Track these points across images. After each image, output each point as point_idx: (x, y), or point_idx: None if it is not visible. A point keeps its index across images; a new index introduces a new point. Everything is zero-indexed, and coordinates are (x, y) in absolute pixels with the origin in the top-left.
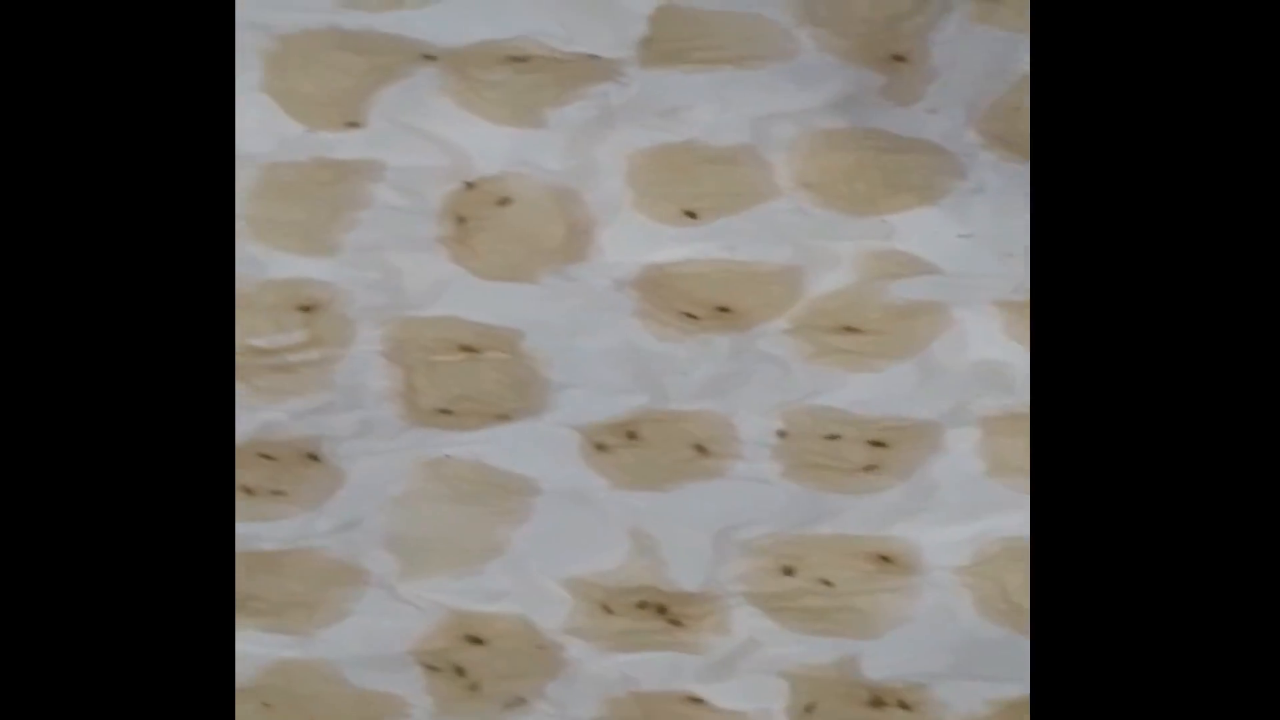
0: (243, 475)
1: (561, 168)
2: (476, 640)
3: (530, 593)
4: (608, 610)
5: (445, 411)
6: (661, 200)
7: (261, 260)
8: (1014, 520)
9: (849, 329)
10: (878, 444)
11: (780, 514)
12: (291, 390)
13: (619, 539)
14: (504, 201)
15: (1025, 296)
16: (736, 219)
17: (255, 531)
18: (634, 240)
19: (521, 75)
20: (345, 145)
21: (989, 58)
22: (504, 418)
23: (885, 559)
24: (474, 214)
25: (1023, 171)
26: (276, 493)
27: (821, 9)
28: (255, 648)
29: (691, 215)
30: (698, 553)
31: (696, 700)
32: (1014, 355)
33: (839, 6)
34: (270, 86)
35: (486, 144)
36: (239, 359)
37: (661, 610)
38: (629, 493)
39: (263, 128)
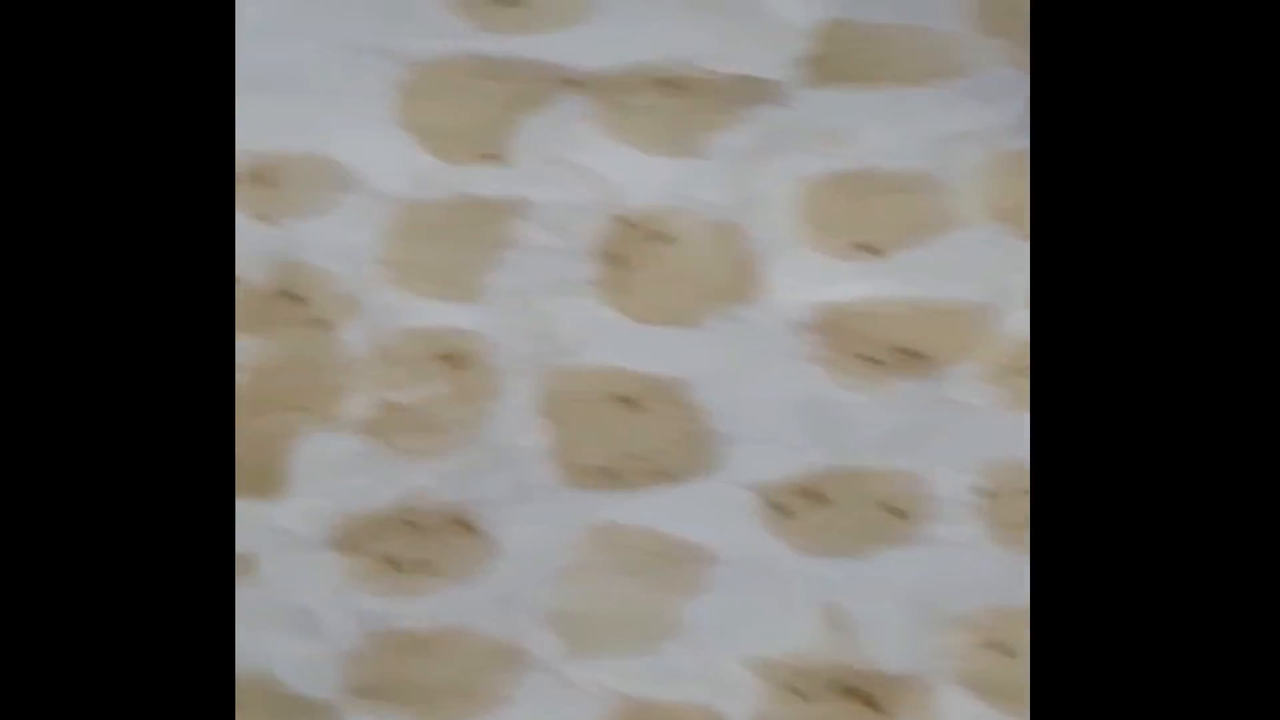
0: (387, 545)
1: (723, 200)
2: None
3: (712, 675)
4: (800, 695)
5: (605, 471)
6: (834, 233)
7: (399, 307)
8: None
9: None
10: None
11: (991, 583)
12: (436, 451)
13: (808, 613)
14: (662, 238)
15: None
16: (920, 252)
17: (402, 609)
18: (806, 278)
19: (672, 99)
20: (487, 181)
21: None
22: (670, 477)
23: None
24: (629, 252)
25: None
26: (422, 563)
27: (1004, 18)
28: None
29: (870, 250)
30: (898, 627)
31: None
32: None
33: (1023, 15)
34: (404, 119)
35: (639, 175)
36: (376, 415)
37: (859, 694)
38: (816, 559)
39: (399, 163)
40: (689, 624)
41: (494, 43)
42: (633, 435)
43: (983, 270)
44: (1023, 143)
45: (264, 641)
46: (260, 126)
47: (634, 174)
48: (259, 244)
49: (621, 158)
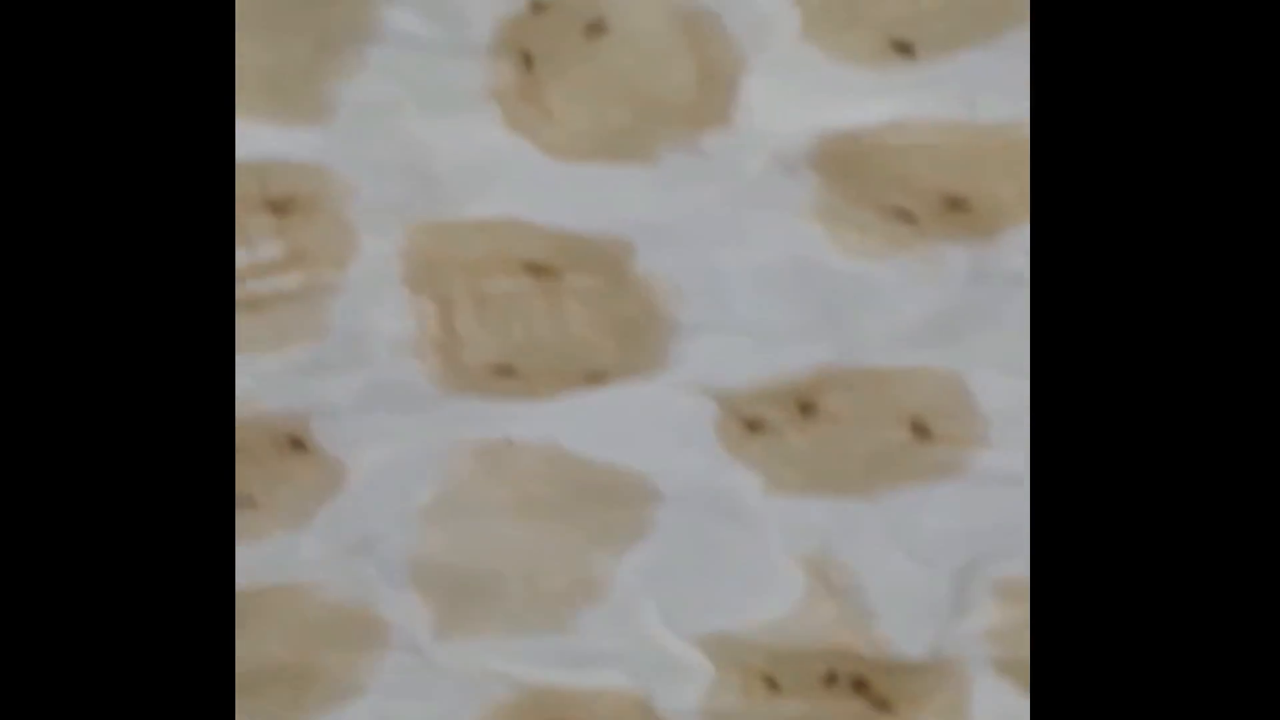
0: None
1: None
2: None
3: (647, 657)
4: (771, 685)
5: (503, 371)
6: (852, 25)
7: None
8: None
9: None
10: None
11: None
12: (264, 339)
13: (787, 573)
14: (595, 29)
15: None
16: (973, 55)
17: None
18: (806, 93)
19: None
20: None
21: None
22: (597, 378)
23: None
24: (547, 50)
25: None
26: (243, 500)
27: None
28: None
29: (904, 49)
30: (924, 597)
31: None
32: None
33: None
34: None
35: None
36: None
37: (861, 686)
38: (801, 500)
39: None
40: (616, 586)
41: None
42: (542, 320)
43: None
44: None
45: None
46: None
47: None
48: None
49: None
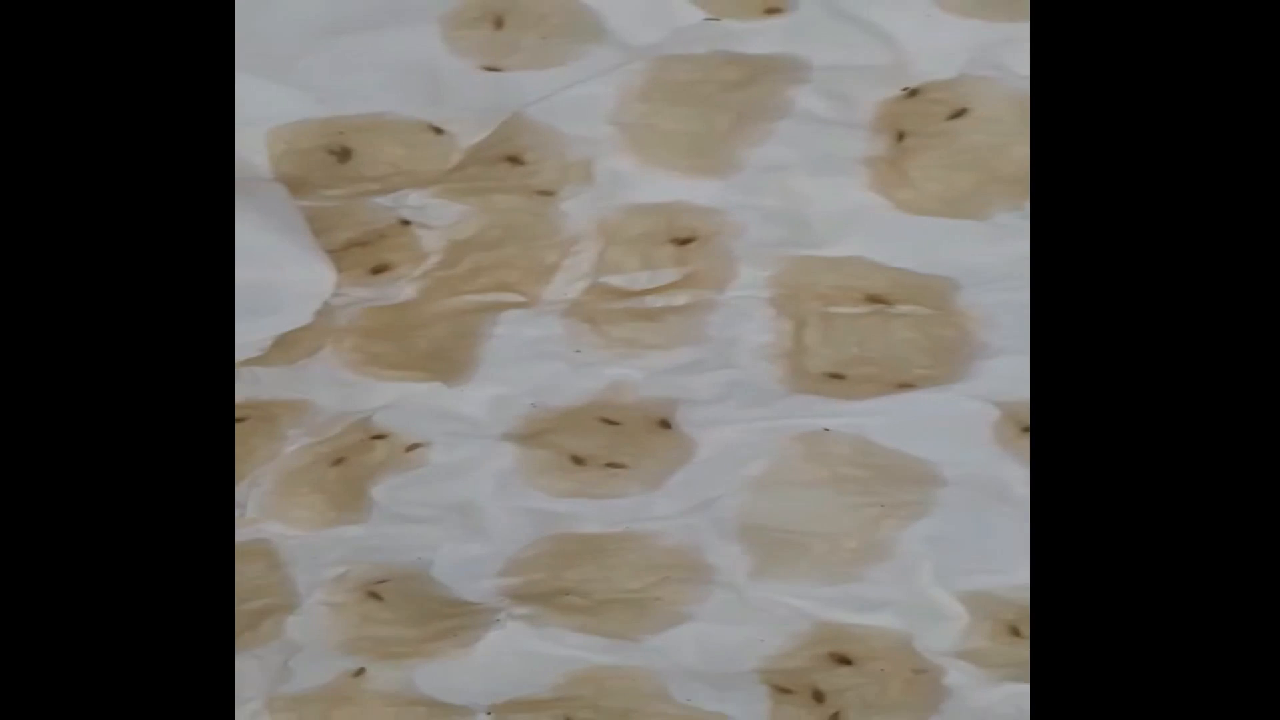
0: (576, 443)
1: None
2: (844, 660)
3: (916, 605)
4: (1015, 633)
5: (835, 376)
6: None
7: (632, 179)
8: None
9: None
10: None
11: None
12: (651, 343)
13: None
14: (957, 114)
15: None
16: None
17: (579, 510)
18: None
19: None
20: (759, 37)
21: None
22: (906, 386)
23: None
24: (916, 129)
25: None
26: (613, 465)
27: None
28: (564, 649)
29: None
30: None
31: None
32: None
33: None
34: None
35: (940, 39)
36: (589, 301)
37: None
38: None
39: (652, 12)
40: (901, 549)
41: None
42: (875, 338)
43: None
44: None
45: (424, 535)
46: None
47: (931, 36)
48: (481, 95)
49: (922, 17)
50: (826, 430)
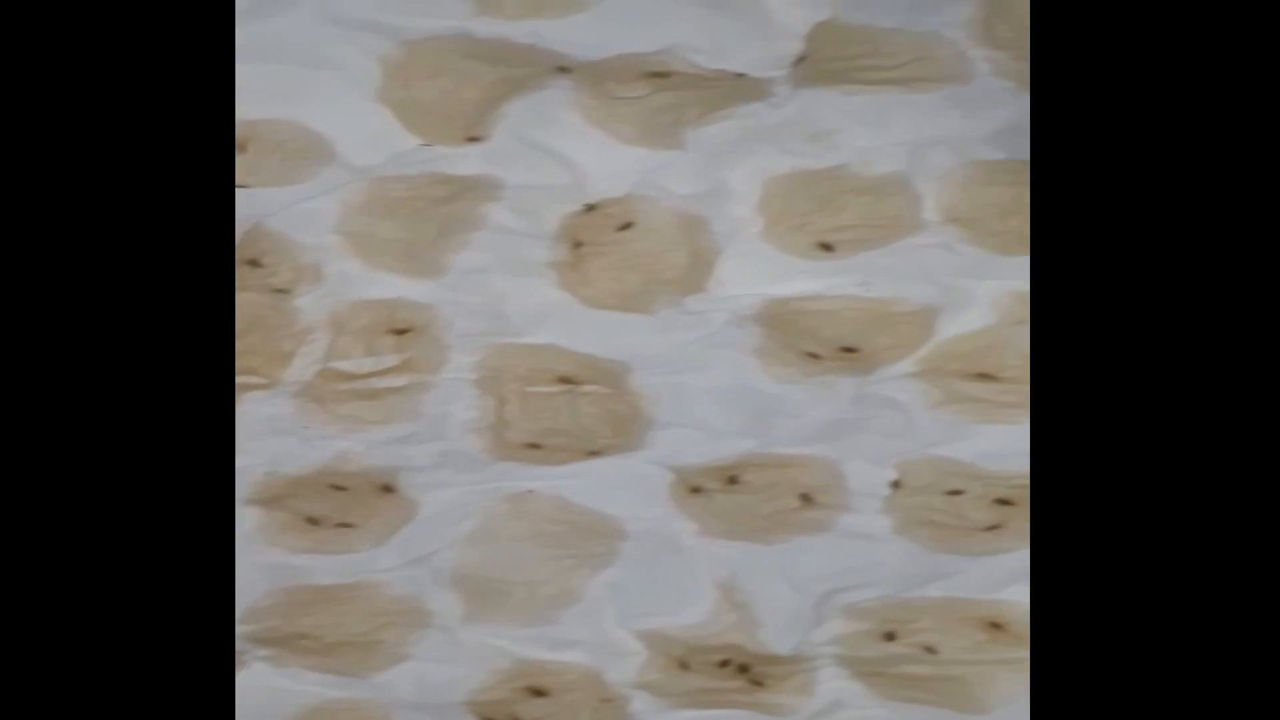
0: (310, 506)
1: (691, 192)
2: (539, 692)
3: (602, 643)
4: (684, 666)
5: (533, 446)
6: (795, 231)
7: (357, 279)
8: None
9: (983, 376)
10: (1004, 502)
11: (889, 575)
12: (373, 419)
13: (706, 591)
14: (625, 226)
15: None
16: (876, 254)
17: (313, 565)
18: (759, 272)
19: (661, 93)
20: (463, 161)
21: None
22: (594, 454)
23: (996, 626)
24: (592, 239)
25: None
26: (343, 525)
27: (1003, 29)
28: (300, 685)
29: (827, 248)
30: (794, 613)
31: None
32: None
33: (1024, 29)
34: (388, 96)
35: (614, 164)
36: (320, 383)
37: (744, 670)
38: (723, 542)
39: (375, 139)
40: (589, 595)
41: (489, 26)
42: (565, 413)
43: (934, 274)
44: (996, 153)
45: None
46: (242, 92)
47: (609, 162)
48: None
49: (599, 146)
50: (531, 491)
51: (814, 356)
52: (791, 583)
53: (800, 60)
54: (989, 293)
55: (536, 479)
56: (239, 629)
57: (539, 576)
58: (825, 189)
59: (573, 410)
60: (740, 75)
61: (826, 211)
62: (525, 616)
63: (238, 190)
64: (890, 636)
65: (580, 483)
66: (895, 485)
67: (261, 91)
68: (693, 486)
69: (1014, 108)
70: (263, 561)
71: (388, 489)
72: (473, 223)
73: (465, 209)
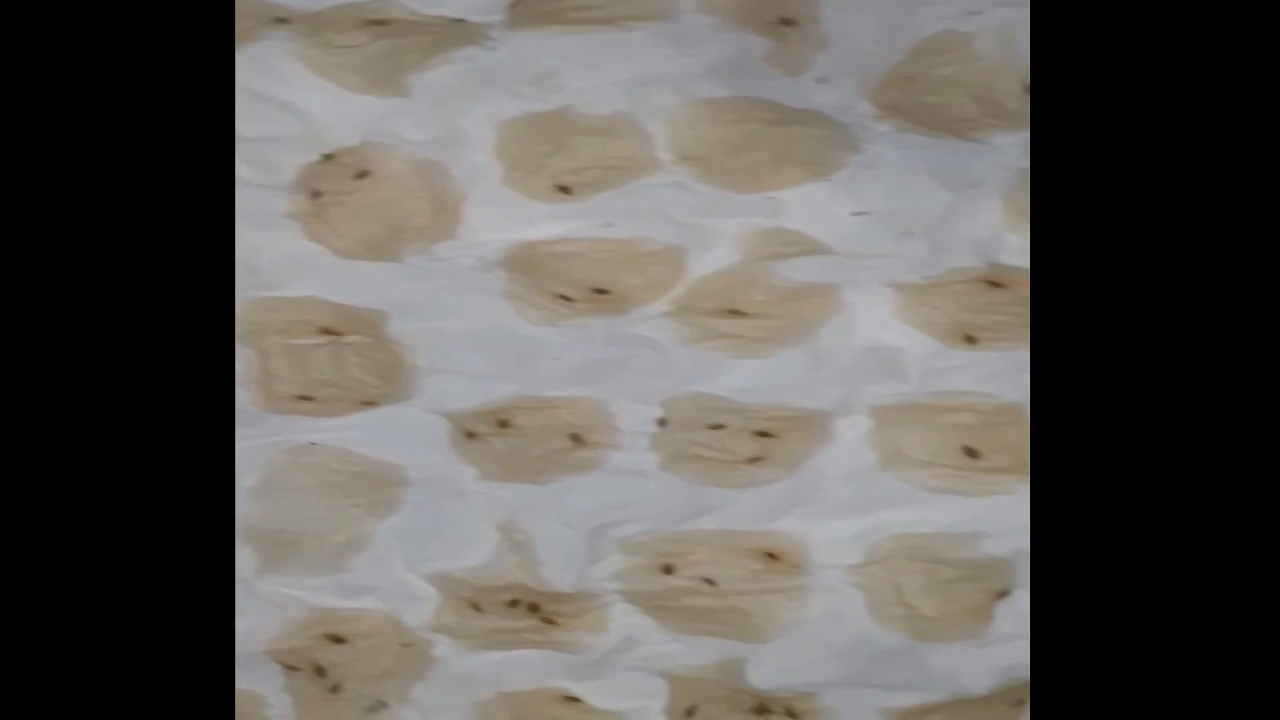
0: None
1: (424, 138)
2: (338, 639)
3: (394, 588)
4: (476, 608)
5: (305, 398)
6: (533, 175)
7: None
8: (908, 515)
9: (733, 312)
10: (764, 434)
11: (660, 509)
12: None
13: (488, 533)
14: (362, 175)
15: (921, 278)
16: (613, 194)
17: None
18: (505, 217)
19: (381, 40)
20: None
21: (882, 23)
22: (370, 404)
23: (771, 556)
24: (330, 188)
25: (922, 145)
26: None
27: None
28: None
29: (565, 190)
30: (571, 551)
31: (572, 700)
32: (908, 340)
33: None
34: None
35: (344, 113)
36: None
37: (534, 609)
38: (500, 484)
39: None
40: (377, 541)
41: None
42: (330, 364)
43: (672, 214)
44: (715, 90)
45: None
46: None
47: (338, 111)
48: None
49: (328, 95)
50: (313, 444)
51: (566, 299)
52: (566, 521)
53: (516, 3)
54: (732, 230)
55: (316, 431)
56: None
57: (327, 526)
58: (556, 132)
59: (338, 361)
60: (458, 20)
61: (561, 154)
62: (317, 565)
63: None
64: (668, 570)
65: (361, 433)
66: (661, 423)
67: None
68: (468, 431)
69: (722, 44)
70: None
71: None
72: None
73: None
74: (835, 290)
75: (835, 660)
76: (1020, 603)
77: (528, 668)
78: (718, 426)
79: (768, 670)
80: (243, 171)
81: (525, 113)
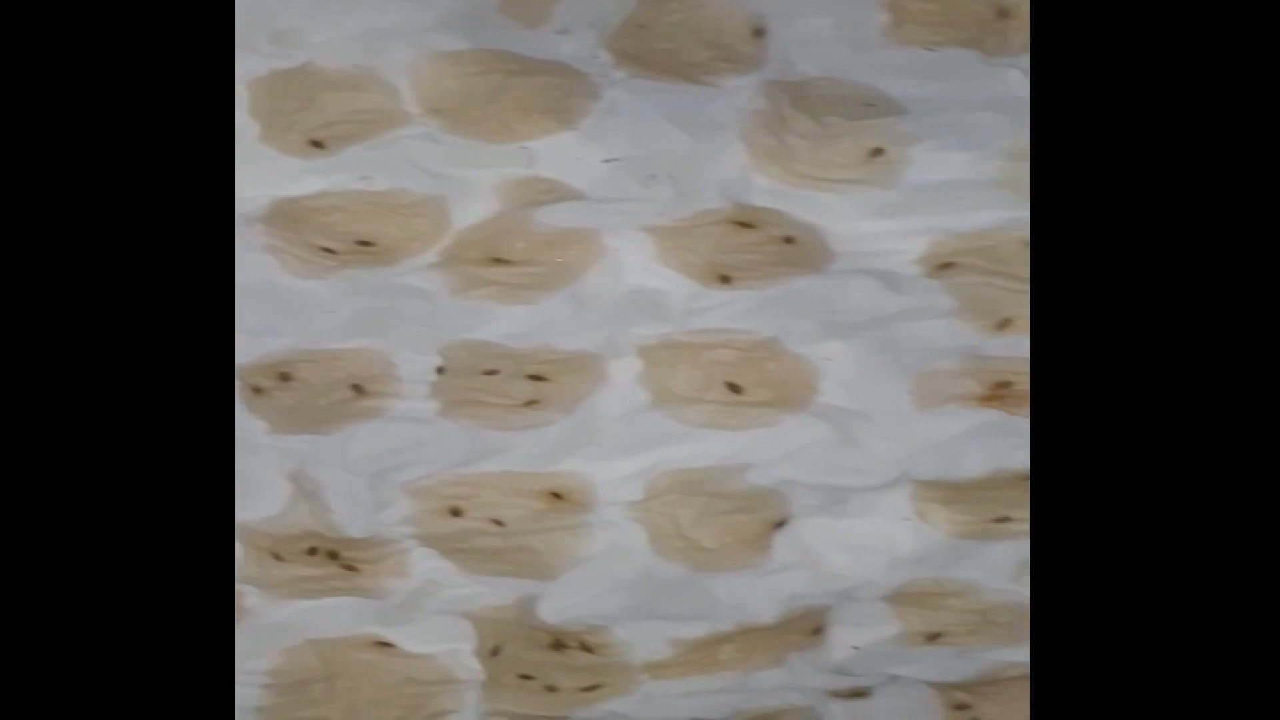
0: None
1: None
2: None
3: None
4: (277, 557)
5: None
6: (287, 131)
7: None
8: (682, 452)
9: (497, 260)
10: (537, 378)
11: (441, 453)
12: None
13: (280, 485)
14: None
15: (672, 220)
16: (365, 147)
17: None
18: (265, 175)
19: None
20: None
21: None
22: None
23: (556, 496)
24: None
25: (657, 89)
26: None
27: None
28: None
29: (319, 145)
30: (357, 497)
31: (384, 644)
32: (667, 282)
33: None
34: None
35: None
36: None
37: (333, 556)
38: (288, 436)
39: None
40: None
41: None
42: None
43: (427, 165)
44: (455, 43)
45: None
46: None
47: None
48: None
49: None
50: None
51: (330, 251)
52: (351, 469)
53: None
54: (489, 180)
55: None
56: None
57: None
58: (303, 87)
59: None
60: None
61: (310, 110)
62: None
63: None
64: (457, 512)
65: None
66: (440, 371)
67: None
68: (254, 386)
69: None
70: None
71: None
72: None
73: None
74: (594, 235)
75: (621, 593)
76: (799, 532)
77: (338, 614)
78: (492, 372)
79: (558, 605)
80: None
81: (272, 70)
